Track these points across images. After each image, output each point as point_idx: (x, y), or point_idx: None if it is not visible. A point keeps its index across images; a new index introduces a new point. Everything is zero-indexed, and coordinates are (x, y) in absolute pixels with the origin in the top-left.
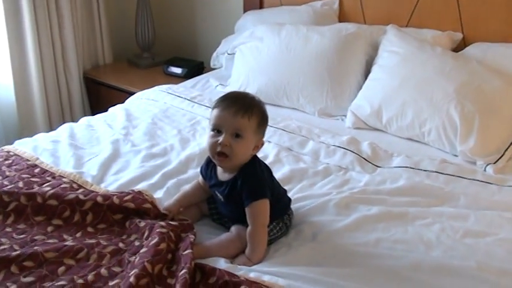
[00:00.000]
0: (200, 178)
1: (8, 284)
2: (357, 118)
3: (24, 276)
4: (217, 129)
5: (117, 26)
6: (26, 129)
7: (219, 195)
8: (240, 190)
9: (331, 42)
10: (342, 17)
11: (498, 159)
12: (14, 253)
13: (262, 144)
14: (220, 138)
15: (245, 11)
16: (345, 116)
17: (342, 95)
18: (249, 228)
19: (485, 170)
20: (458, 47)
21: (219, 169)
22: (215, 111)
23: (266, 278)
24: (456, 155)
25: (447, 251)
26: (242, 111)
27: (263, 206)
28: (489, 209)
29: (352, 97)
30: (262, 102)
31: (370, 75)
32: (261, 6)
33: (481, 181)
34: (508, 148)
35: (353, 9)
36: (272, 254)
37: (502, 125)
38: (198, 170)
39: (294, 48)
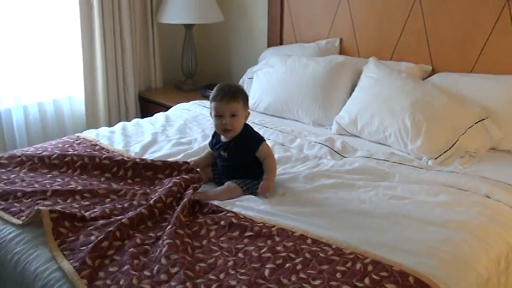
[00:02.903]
0: (208, 149)
1: (73, 204)
2: (339, 126)
3: (83, 201)
4: (219, 115)
5: (168, 57)
6: None
7: (222, 153)
8: (244, 143)
9: (323, 69)
10: (342, 52)
11: (438, 156)
12: (78, 188)
13: (249, 114)
14: (224, 120)
15: (269, 46)
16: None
17: (331, 109)
18: (265, 161)
19: (427, 162)
20: (429, 77)
21: (222, 136)
22: (214, 104)
23: (243, 212)
24: (409, 154)
25: (373, 205)
26: (232, 98)
27: (267, 146)
28: (415, 183)
29: (339, 111)
30: (241, 86)
31: (352, 94)
32: (280, 43)
33: (415, 166)
34: (449, 149)
35: (350, 46)
36: (253, 201)
37: (445, 131)
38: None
39: (295, 73)
